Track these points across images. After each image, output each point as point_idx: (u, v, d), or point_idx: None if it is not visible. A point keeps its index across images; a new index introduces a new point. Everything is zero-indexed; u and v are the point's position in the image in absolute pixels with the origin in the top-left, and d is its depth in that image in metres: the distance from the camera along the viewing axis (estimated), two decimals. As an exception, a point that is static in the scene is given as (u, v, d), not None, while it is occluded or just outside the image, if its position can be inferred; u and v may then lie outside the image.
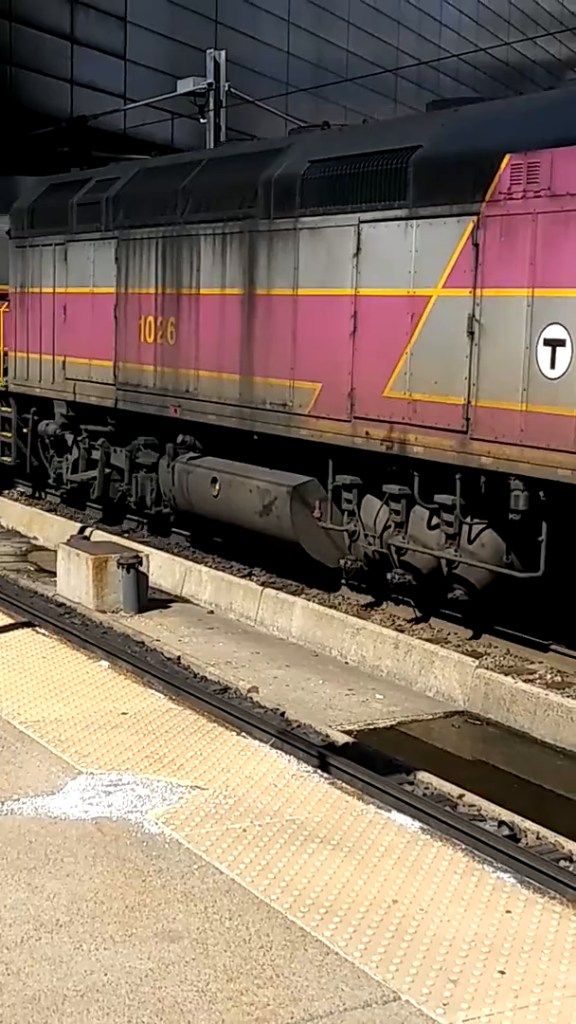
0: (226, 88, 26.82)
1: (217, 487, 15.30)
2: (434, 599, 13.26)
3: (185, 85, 27.27)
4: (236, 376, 15.00)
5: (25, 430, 20.38)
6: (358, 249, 13.10)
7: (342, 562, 14.08)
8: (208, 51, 27.48)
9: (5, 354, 20.69)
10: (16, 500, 21.04)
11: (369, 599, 14.13)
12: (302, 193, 13.95)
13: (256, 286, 14.65)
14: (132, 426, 17.62)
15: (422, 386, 12.34)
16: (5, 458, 20.99)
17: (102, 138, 30.12)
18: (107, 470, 18.13)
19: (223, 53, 27.16)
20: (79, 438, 18.78)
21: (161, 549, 16.49)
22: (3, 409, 20.96)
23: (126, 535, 17.47)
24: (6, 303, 20.64)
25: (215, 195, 15.44)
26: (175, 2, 35.58)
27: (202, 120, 27.09)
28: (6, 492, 21.66)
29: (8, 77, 31.47)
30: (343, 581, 14.57)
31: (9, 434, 20.78)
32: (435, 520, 12.69)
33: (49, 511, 19.87)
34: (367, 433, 13.03)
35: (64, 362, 18.80)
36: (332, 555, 14.19)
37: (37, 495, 21.26)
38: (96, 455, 18.34)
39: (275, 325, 14.33)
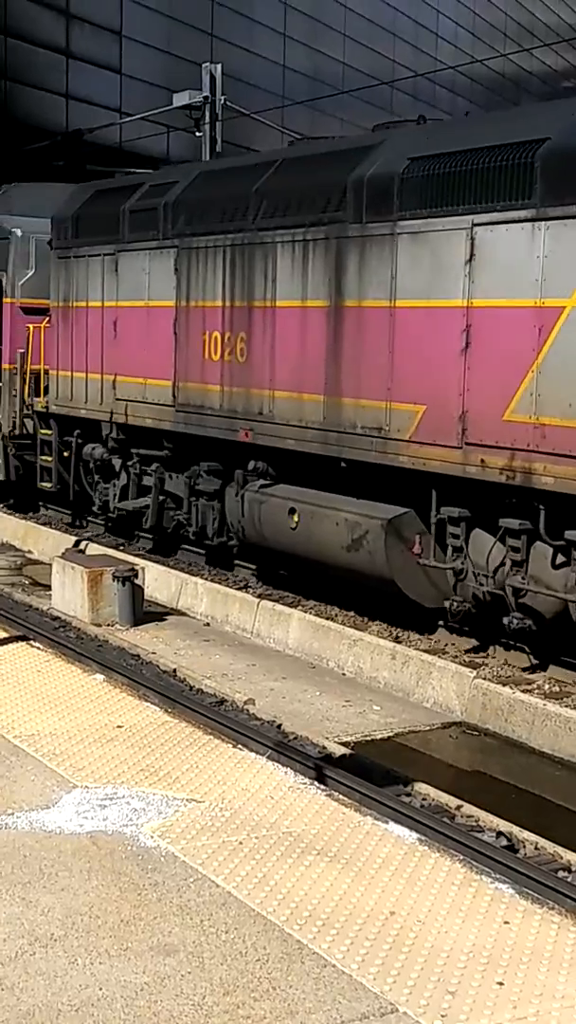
0: (222, 101, 26.88)
1: (296, 518, 13.92)
2: (555, 646, 11.99)
3: (181, 99, 27.35)
4: (319, 397, 13.61)
5: (67, 453, 19.04)
6: (471, 255, 11.73)
7: (446, 604, 12.55)
8: (204, 64, 27.57)
9: (46, 372, 19.46)
10: (8, 514, 20.92)
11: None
12: (401, 194, 12.59)
13: (344, 297, 13.30)
14: (191, 450, 16.19)
15: (553, 409, 10.98)
16: (45, 484, 19.62)
17: (98, 152, 30.19)
18: (160, 497, 16.89)
19: (219, 66, 27.24)
20: (129, 463, 17.44)
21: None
22: (43, 431, 19.65)
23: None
24: (47, 318, 19.39)
25: (294, 198, 14.08)
26: (170, 16, 35.70)
27: (198, 133, 27.15)
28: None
29: (3, 91, 31.55)
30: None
31: (49, 458, 19.44)
32: (561, 559, 11.38)
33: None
34: (482, 461, 11.61)
35: (114, 381, 17.42)
36: (431, 595, 12.81)
37: (78, 523, 19.91)
38: (148, 481, 17.04)
39: (368, 341, 12.95)
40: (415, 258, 12.43)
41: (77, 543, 17.31)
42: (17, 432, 20.45)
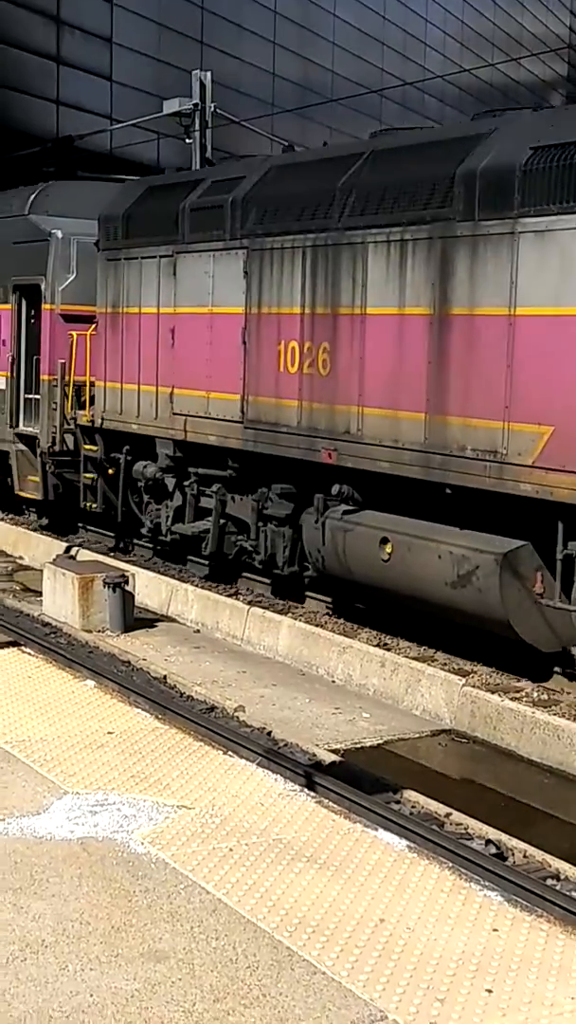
0: (211, 108, 26.91)
1: (388, 550, 12.62)
2: None
3: (171, 105, 27.36)
4: (420, 415, 12.24)
5: (111, 471, 17.70)
6: None
7: (574, 650, 11.44)
8: (194, 72, 27.60)
9: (91, 384, 18.12)
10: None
11: None
12: (523, 188, 11.24)
13: (451, 304, 11.95)
14: (259, 471, 14.85)
15: None
16: (90, 503, 18.39)
17: (88, 158, 30.20)
18: (221, 521, 15.69)
19: (208, 74, 27.27)
20: (185, 483, 16.12)
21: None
22: (87, 447, 18.28)
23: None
24: (91, 326, 18.06)
25: (390, 193, 12.75)
26: (161, 23, 35.78)
27: (188, 140, 27.18)
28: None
29: (-6, 97, 31.58)
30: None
31: (94, 476, 18.20)
32: None
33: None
34: None
35: (171, 394, 15.98)
36: (549, 639, 11.59)
37: (122, 547, 18.53)
38: (207, 503, 15.76)
39: (481, 353, 11.63)
40: (541, 260, 11.11)
41: (68, 549, 17.24)
42: (57, 448, 18.97)
